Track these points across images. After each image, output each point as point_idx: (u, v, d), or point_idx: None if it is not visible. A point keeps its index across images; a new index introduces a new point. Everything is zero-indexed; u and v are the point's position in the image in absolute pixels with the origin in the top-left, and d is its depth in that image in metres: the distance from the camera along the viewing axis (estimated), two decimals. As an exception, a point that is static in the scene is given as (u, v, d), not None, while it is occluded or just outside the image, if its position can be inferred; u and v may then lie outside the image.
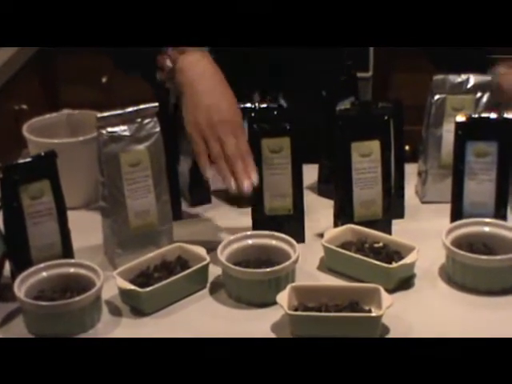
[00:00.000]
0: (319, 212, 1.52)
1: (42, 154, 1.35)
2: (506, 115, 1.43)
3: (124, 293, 1.28)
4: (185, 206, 1.59)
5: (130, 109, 1.40)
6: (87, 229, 1.47)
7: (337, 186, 1.46)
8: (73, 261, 1.33)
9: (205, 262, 1.32)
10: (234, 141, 1.38)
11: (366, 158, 1.43)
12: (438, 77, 1.53)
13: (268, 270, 1.28)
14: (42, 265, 1.29)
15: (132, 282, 1.28)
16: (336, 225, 1.44)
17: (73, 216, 1.40)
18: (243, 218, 1.49)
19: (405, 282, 1.32)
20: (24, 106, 2.46)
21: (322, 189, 1.60)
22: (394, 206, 1.47)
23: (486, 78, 1.54)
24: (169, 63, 1.47)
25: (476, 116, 1.45)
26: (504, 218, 1.43)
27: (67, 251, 1.36)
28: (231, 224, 1.52)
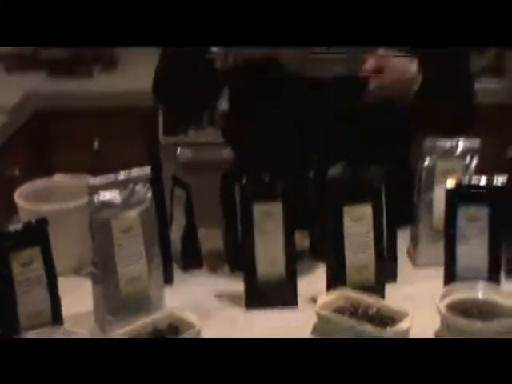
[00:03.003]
0: (312, 276, 1.51)
1: (34, 221, 1.36)
2: (495, 180, 1.43)
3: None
4: (176, 270, 1.57)
5: (122, 174, 1.40)
6: (77, 295, 1.46)
7: (329, 250, 1.45)
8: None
9: (195, 329, 1.29)
10: None
11: (358, 222, 1.42)
12: (428, 142, 1.54)
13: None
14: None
15: (123, 350, 1.26)
16: (329, 289, 1.43)
17: (63, 282, 1.39)
18: (235, 282, 1.49)
19: (399, 348, 1.29)
20: (16, 172, 2.46)
21: (314, 253, 1.59)
22: (386, 270, 1.46)
23: (475, 141, 1.55)
24: None
25: (466, 180, 1.45)
26: (497, 281, 1.43)
27: (57, 318, 1.34)
28: (223, 289, 1.51)
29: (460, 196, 1.43)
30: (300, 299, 1.44)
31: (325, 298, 1.38)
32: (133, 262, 1.40)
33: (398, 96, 1.60)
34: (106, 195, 1.38)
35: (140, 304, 1.39)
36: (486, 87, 1.78)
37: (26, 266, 1.32)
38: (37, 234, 1.35)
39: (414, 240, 1.57)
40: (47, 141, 2.77)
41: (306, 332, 1.36)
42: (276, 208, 1.43)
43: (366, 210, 1.42)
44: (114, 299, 1.37)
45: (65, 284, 1.40)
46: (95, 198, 1.37)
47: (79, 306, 1.43)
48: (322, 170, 1.50)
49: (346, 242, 1.42)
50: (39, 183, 1.66)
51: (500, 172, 1.45)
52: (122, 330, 1.29)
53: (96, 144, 2.74)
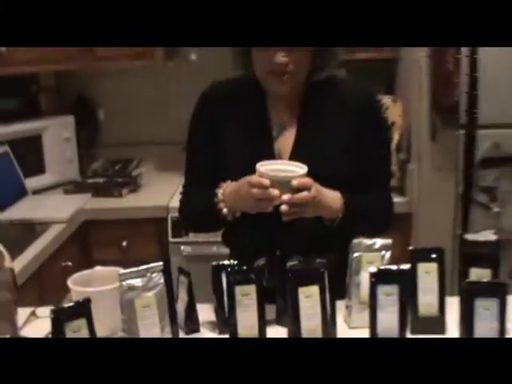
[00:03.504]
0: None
1: (81, 300, 1.37)
2: (402, 267, 1.46)
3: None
4: (181, 334, 1.55)
5: (143, 267, 1.43)
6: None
7: (289, 319, 1.46)
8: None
9: None
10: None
11: (308, 298, 1.43)
12: (356, 241, 1.55)
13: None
14: None
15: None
16: (289, 346, 1.43)
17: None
18: (223, 342, 1.49)
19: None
20: (69, 264, 2.47)
21: (279, 321, 1.57)
22: (329, 331, 1.46)
23: (388, 241, 1.56)
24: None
25: (383, 267, 1.47)
26: (405, 337, 1.45)
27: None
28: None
29: (378, 278, 1.45)
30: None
31: None
32: (150, 328, 1.40)
33: (329, 222, 1.61)
34: (131, 281, 1.40)
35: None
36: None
37: (76, 332, 1.32)
38: (83, 309, 1.36)
39: (348, 309, 1.57)
40: (91, 242, 2.75)
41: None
42: (251, 289, 1.44)
43: (314, 290, 1.44)
44: (137, 355, 1.37)
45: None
46: (124, 283, 1.40)
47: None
48: (283, 262, 1.51)
49: (301, 313, 1.43)
50: (85, 273, 1.65)
51: (404, 262, 1.49)
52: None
53: (124, 244, 2.76)
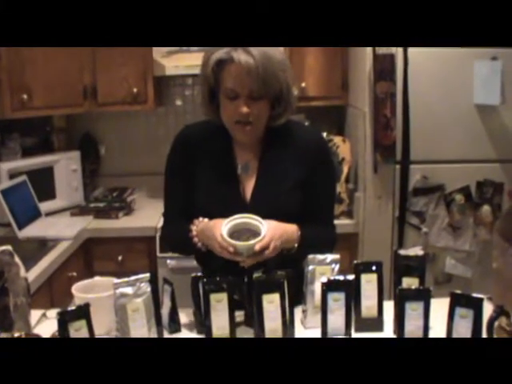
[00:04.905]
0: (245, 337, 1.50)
1: (82, 304, 1.37)
2: (348, 277, 1.45)
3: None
4: (165, 333, 1.54)
5: (133, 277, 1.42)
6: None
7: (255, 321, 1.45)
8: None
9: None
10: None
11: (270, 304, 1.43)
12: (311, 256, 1.55)
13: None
14: None
15: None
16: (255, 343, 1.42)
17: (99, 340, 1.39)
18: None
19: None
20: (73, 274, 2.45)
21: (247, 323, 1.56)
22: (288, 331, 1.46)
23: (336, 256, 1.55)
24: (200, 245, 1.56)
25: (332, 278, 1.47)
26: (350, 335, 1.45)
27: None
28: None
29: (329, 287, 1.45)
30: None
31: None
32: (139, 328, 1.40)
33: (286, 251, 1.56)
34: (124, 289, 1.40)
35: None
36: (342, 223, 1.82)
37: (77, 331, 1.33)
38: (84, 312, 1.36)
39: (304, 313, 1.57)
40: (92, 256, 2.73)
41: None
42: (223, 297, 1.43)
43: (275, 297, 1.43)
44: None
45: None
46: (117, 291, 1.39)
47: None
48: (250, 274, 1.48)
49: (265, 316, 1.42)
50: (86, 282, 1.64)
51: (351, 273, 1.49)
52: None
53: (120, 258, 2.73)
